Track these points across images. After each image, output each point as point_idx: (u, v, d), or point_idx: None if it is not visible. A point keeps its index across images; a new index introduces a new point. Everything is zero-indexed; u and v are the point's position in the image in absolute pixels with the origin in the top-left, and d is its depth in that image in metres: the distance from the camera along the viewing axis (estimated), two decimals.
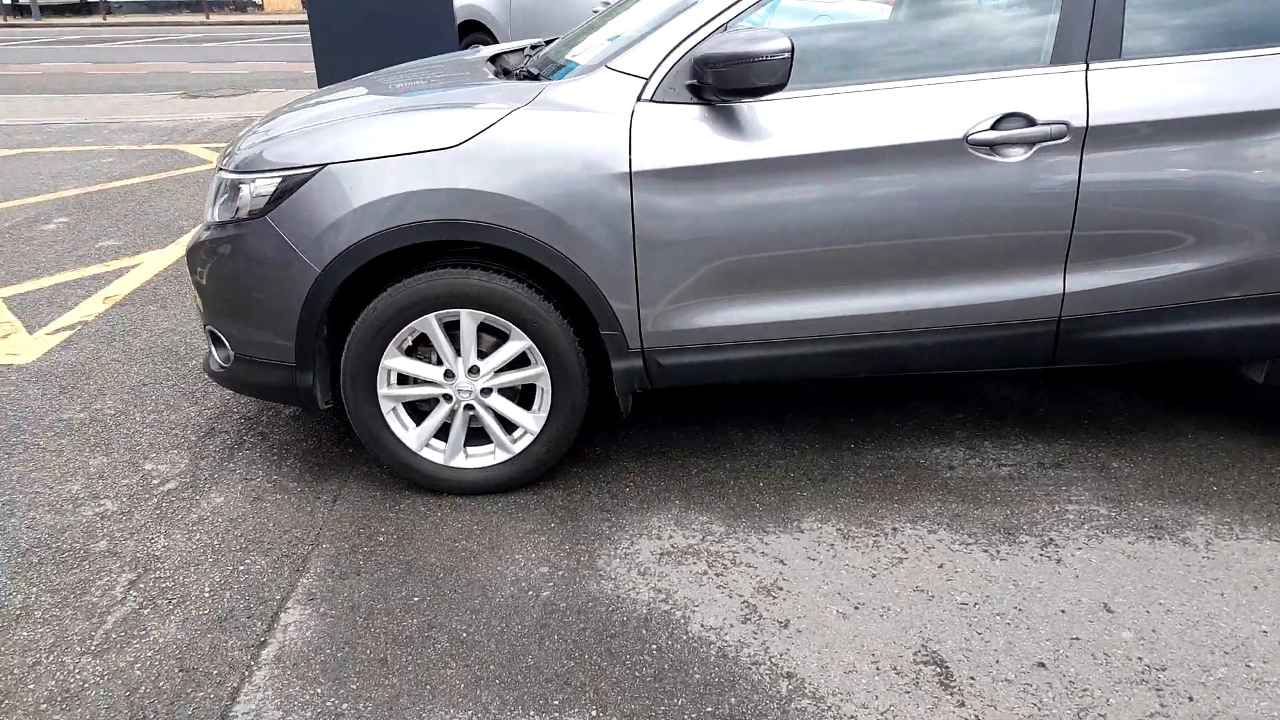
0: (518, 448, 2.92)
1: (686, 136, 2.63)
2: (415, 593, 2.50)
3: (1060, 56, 2.67)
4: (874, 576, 2.55)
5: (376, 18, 6.47)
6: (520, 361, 2.84)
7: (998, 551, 2.63)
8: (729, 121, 2.64)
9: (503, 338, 2.82)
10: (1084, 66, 2.66)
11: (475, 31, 8.98)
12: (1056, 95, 2.63)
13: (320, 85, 6.55)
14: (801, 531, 2.75)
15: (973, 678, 2.18)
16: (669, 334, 2.78)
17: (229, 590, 2.51)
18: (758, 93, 2.55)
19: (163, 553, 2.68)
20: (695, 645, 2.30)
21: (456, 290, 2.74)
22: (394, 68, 3.85)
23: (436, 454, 2.93)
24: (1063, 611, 2.38)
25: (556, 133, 2.64)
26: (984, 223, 2.69)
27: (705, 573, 2.58)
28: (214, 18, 30.46)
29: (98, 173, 7.50)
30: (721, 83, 2.53)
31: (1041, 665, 2.21)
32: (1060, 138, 2.62)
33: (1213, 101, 2.64)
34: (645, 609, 2.43)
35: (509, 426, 2.93)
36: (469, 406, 2.88)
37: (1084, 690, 2.13)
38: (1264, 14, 2.78)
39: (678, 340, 2.79)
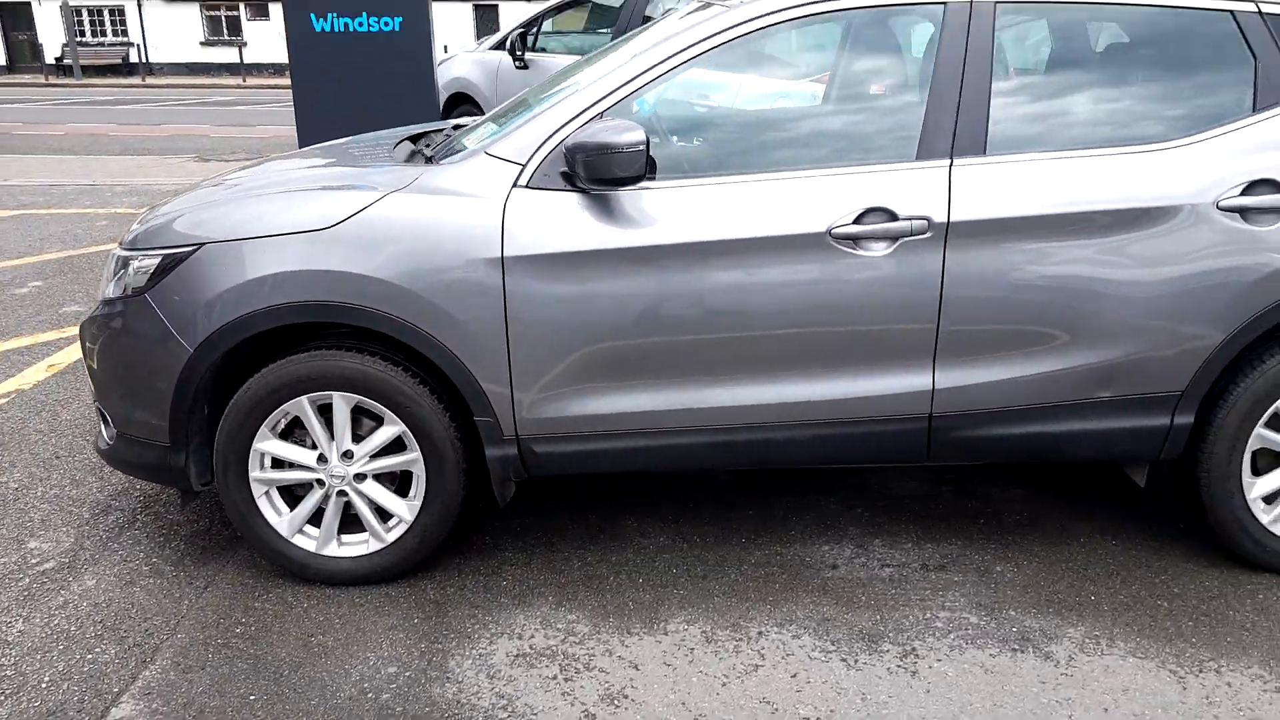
0: (391, 537, 2.90)
1: (560, 223, 2.65)
2: (254, 691, 2.48)
3: (926, 152, 2.68)
4: (724, 685, 2.49)
5: (358, 86, 6.60)
6: (396, 447, 2.84)
7: (855, 661, 2.56)
8: (602, 209, 2.66)
9: (381, 422, 2.83)
10: (948, 162, 2.66)
11: (465, 104, 9.17)
12: (919, 190, 2.63)
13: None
14: (666, 634, 2.70)
15: None
16: (544, 421, 2.77)
17: (68, 681, 2.50)
18: (619, 182, 2.58)
19: (15, 638, 2.68)
20: None
21: (329, 372, 2.76)
22: (328, 143, 3.94)
23: (309, 541, 2.92)
24: None
25: (428, 217, 2.68)
26: (850, 316, 2.68)
27: (555, 678, 2.53)
28: (250, 81, 31.39)
29: (86, 236, 7.68)
30: (588, 172, 2.57)
31: None
32: (923, 233, 2.62)
33: (1075, 199, 2.63)
34: (482, 717, 2.38)
35: (384, 514, 2.92)
36: (342, 493, 2.88)
37: None
38: (1125, 115, 2.78)
39: (553, 428, 2.79)
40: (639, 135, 2.50)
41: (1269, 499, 2.86)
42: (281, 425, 2.84)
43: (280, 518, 2.91)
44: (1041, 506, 3.32)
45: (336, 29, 6.27)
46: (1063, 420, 2.78)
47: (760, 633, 2.69)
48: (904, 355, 2.72)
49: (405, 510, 2.88)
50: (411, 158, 3.09)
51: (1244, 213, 2.61)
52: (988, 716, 2.35)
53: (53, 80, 31.03)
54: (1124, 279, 2.65)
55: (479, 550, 3.13)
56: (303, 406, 2.79)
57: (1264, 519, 2.86)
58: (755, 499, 3.41)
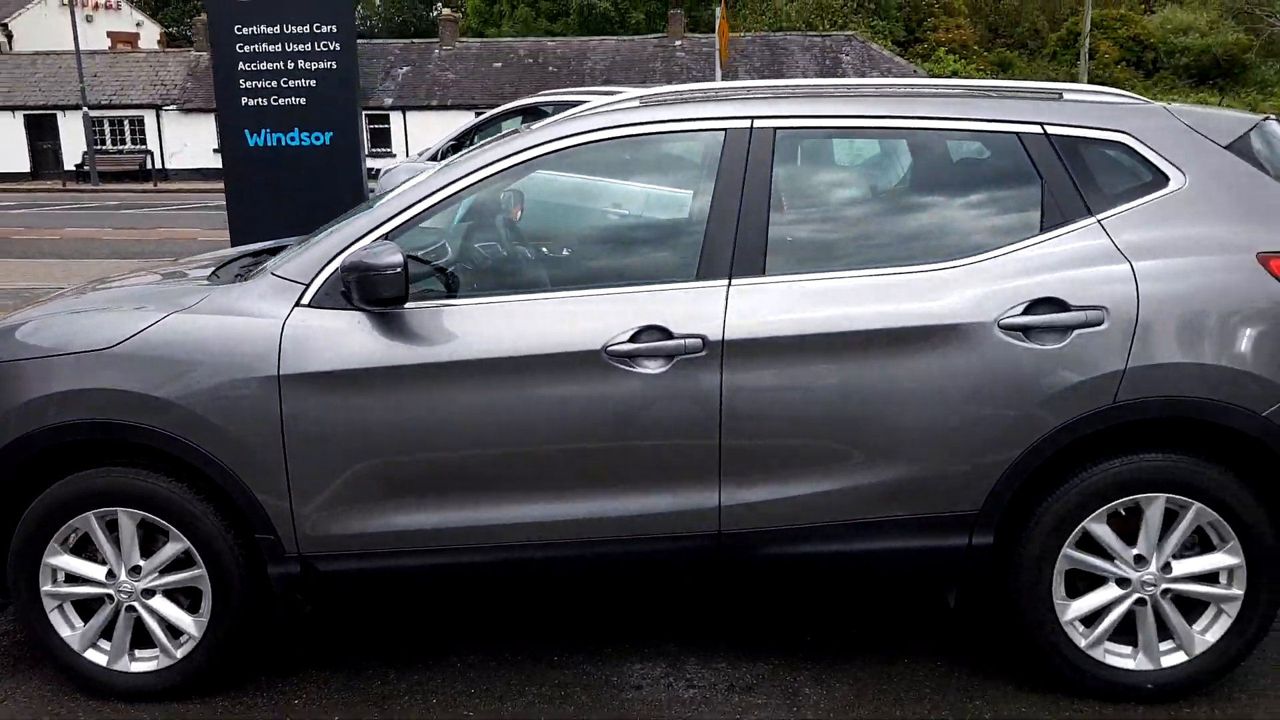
0: (180, 653, 2.85)
1: (338, 342, 2.67)
2: None
3: (705, 272, 2.69)
4: None
5: (290, 195, 6.71)
6: (187, 562, 2.81)
7: None
8: (379, 328, 2.68)
9: (168, 537, 2.80)
10: (726, 282, 2.67)
11: None
12: (695, 309, 2.64)
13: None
14: None
15: None
16: (325, 539, 2.74)
17: None
18: (385, 303, 2.60)
19: None
20: None
21: (115, 488, 2.76)
22: (188, 258, 4.04)
23: (101, 656, 2.87)
24: None
25: (209, 336, 2.71)
26: (631, 433, 2.66)
27: None
28: None
29: None
30: (358, 292, 2.60)
31: None
32: (697, 351, 2.61)
33: (853, 318, 2.63)
34: None
35: (176, 631, 2.87)
36: (131, 608, 2.84)
37: None
38: (910, 235, 2.81)
39: (334, 546, 2.75)
40: (397, 258, 2.54)
41: (1088, 621, 2.77)
42: (73, 540, 2.82)
43: (73, 632, 2.87)
44: (877, 625, 3.23)
45: (269, 143, 6.46)
46: (858, 539, 2.72)
47: None
48: (688, 472, 2.68)
49: (193, 627, 2.83)
50: (234, 277, 3.14)
51: (1026, 331, 2.60)
52: None
53: (70, 186, 32.03)
54: (908, 398, 2.63)
55: (295, 666, 3.05)
56: (90, 522, 2.78)
57: (1081, 643, 2.76)
58: (591, 611, 3.33)
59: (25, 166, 34.93)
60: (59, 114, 34.87)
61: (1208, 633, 2.76)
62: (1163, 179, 2.70)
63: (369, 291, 2.57)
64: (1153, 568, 2.71)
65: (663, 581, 2.84)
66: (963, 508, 2.68)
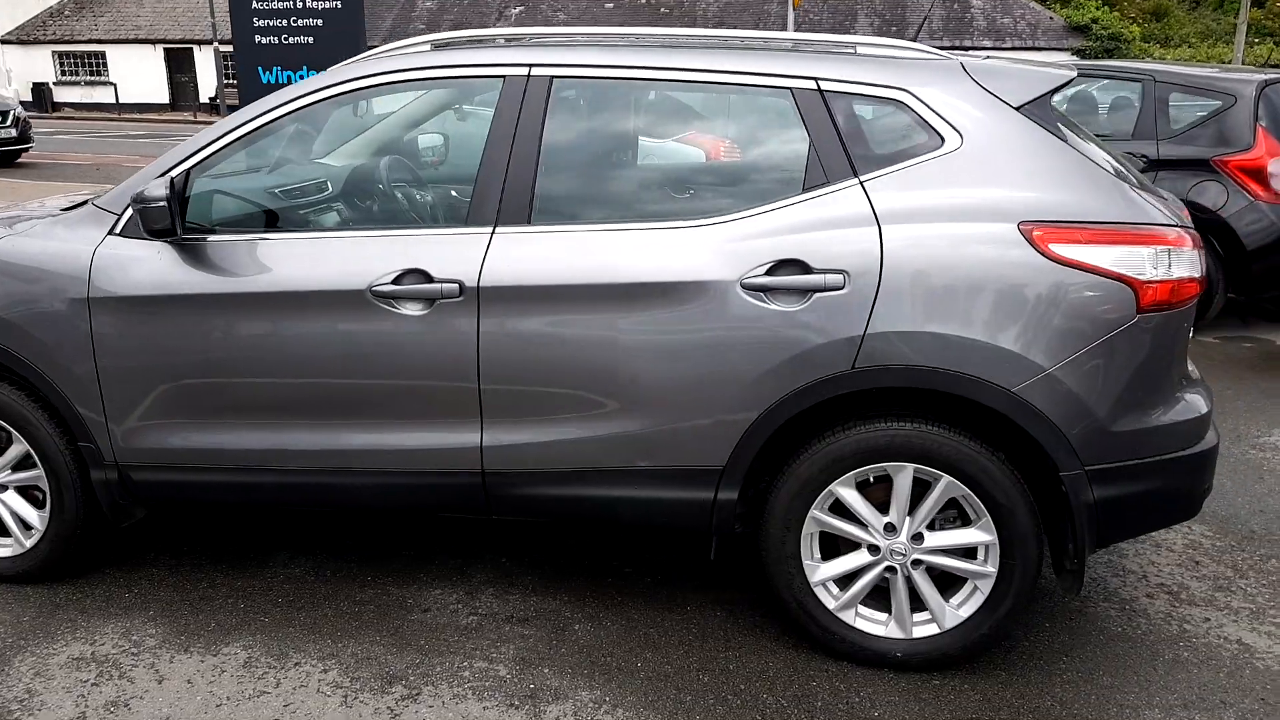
0: (29, 543, 3.20)
1: (139, 269, 2.90)
2: None
3: (474, 219, 2.79)
4: (218, 706, 2.64)
5: None
6: (30, 463, 3.14)
7: (355, 698, 2.67)
8: (174, 258, 2.89)
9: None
10: (490, 230, 2.76)
11: None
12: (457, 255, 2.74)
13: None
14: (215, 655, 2.87)
15: None
16: (138, 451, 3.01)
17: None
18: (157, 234, 2.80)
19: None
20: None
21: None
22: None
23: None
24: None
25: (31, 258, 2.99)
26: (396, 371, 2.81)
27: (86, 681, 2.74)
28: None
29: None
30: (140, 223, 2.81)
31: None
32: (454, 296, 2.72)
33: (608, 271, 2.68)
34: (2, 705, 2.63)
35: (27, 524, 3.22)
36: None
37: None
38: (677, 190, 2.81)
39: (146, 458, 3.02)
40: (160, 192, 2.73)
41: (843, 583, 2.79)
42: None
43: None
44: (691, 571, 3.31)
45: (280, 80, 6.78)
46: (612, 485, 2.80)
47: (297, 664, 2.83)
48: (453, 412, 2.81)
49: (38, 521, 3.17)
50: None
51: (768, 292, 2.59)
52: None
53: (200, 118, 33.67)
54: (656, 351, 2.67)
55: (142, 562, 3.38)
56: None
57: (830, 604, 2.78)
58: (432, 538, 3.53)
59: (165, 98, 36.94)
60: (195, 48, 36.59)
61: (962, 607, 2.73)
62: (937, 140, 2.62)
63: (145, 223, 2.78)
64: (902, 537, 2.70)
65: (440, 511, 2.99)
66: (708, 462, 2.73)
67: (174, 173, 2.89)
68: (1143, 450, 2.60)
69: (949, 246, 2.54)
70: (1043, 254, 2.50)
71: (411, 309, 2.76)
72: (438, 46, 2.99)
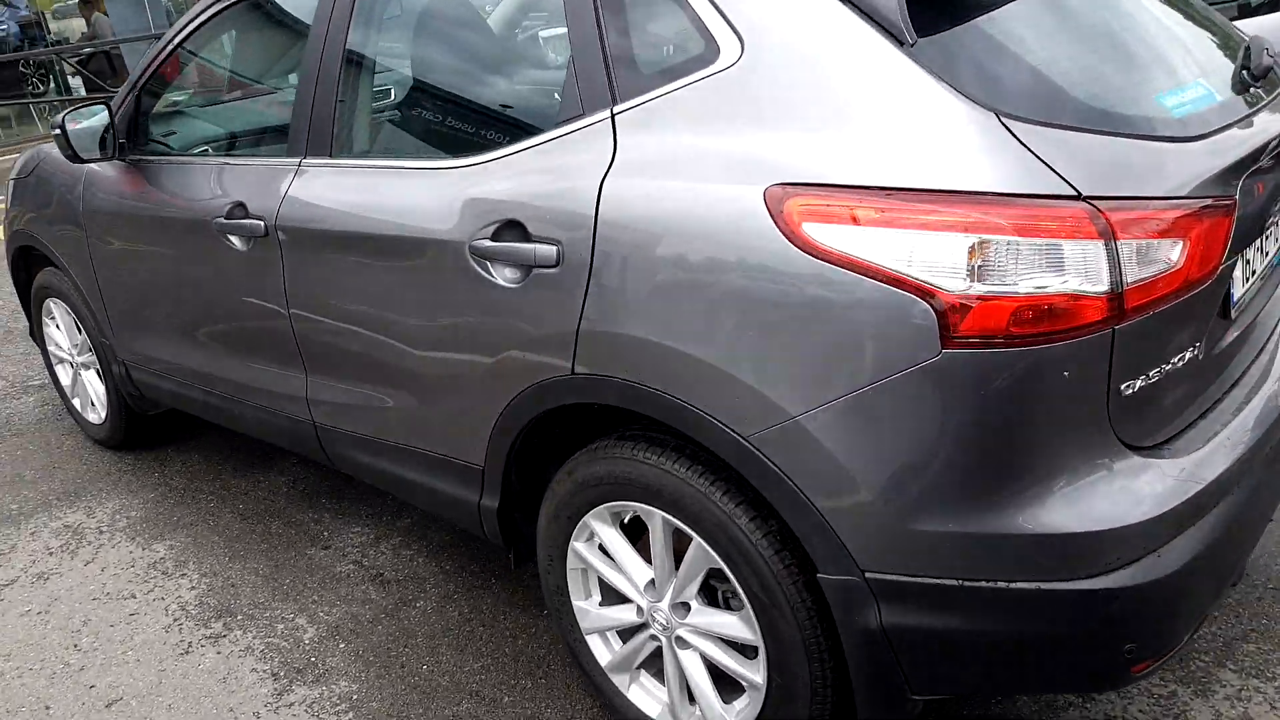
0: (103, 415, 3.72)
1: (103, 185, 3.13)
2: None
3: (291, 149, 2.51)
4: (93, 600, 2.89)
5: None
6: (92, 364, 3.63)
7: (180, 624, 2.73)
8: (121, 175, 3.05)
9: None
10: (297, 162, 2.47)
11: None
12: (269, 189, 2.52)
13: None
14: (145, 549, 3.13)
15: None
16: (128, 352, 3.33)
17: None
18: (72, 159, 2.96)
19: None
20: None
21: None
22: None
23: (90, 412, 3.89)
24: None
25: (59, 171, 3.32)
26: (240, 311, 2.70)
27: (52, 548, 3.18)
28: None
29: None
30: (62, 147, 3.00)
31: None
32: (259, 234, 2.51)
33: (364, 216, 2.26)
34: None
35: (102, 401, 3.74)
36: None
37: None
38: (457, 121, 2.26)
39: (133, 360, 3.33)
40: (59, 120, 2.84)
41: (626, 635, 2.15)
42: None
43: None
44: None
45: None
46: (401, 464, 2.45)
47: (184, 575, 2.98)
48: (285, 357, 2.65)
49: (104, 398, 3.67)
50: None
51: (491, 260, 1.99)
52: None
53: None
54: (410, 317, 2.22)
55: (185, 449, 3.77)
56: None
57: (603, 660, 2.18)
58: None
59: None
60: None
61: (738, 716, 1.97)
62: (712, 52, 1.74)
63: (89, 147, 2.94)
64: (664, 603, 2.00)
65: (304, 455, 2.86)
66: (468, 458, 2.24)
67: (114, 99, 3.01)
68: (973, 567, 1.58)
69: (680, 218, 1.70)
70: (791, 238, 1.57)
71: (238, 244, 2.60)
72: None
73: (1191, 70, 1.79)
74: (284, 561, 2.98)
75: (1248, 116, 1.74)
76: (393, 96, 2.60)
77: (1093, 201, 1.44)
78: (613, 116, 1.83)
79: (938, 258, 1.46)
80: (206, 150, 3.07)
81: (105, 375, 3.55)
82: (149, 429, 3.70)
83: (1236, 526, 1.68)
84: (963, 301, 1.45)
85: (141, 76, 2.99)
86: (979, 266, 1.45)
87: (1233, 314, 1.77)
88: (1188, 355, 1.63)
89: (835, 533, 1.62)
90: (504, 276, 1.97)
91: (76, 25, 14.80)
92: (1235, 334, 1.82)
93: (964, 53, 1.58)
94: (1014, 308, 1.44)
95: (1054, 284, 1.44)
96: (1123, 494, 1.55)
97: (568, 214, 1.83)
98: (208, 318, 2.87)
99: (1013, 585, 1.55)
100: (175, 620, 2.75)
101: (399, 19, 2.40)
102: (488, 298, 2.01)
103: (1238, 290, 1.77)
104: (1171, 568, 1.55)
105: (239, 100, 3.30)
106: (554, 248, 1.85)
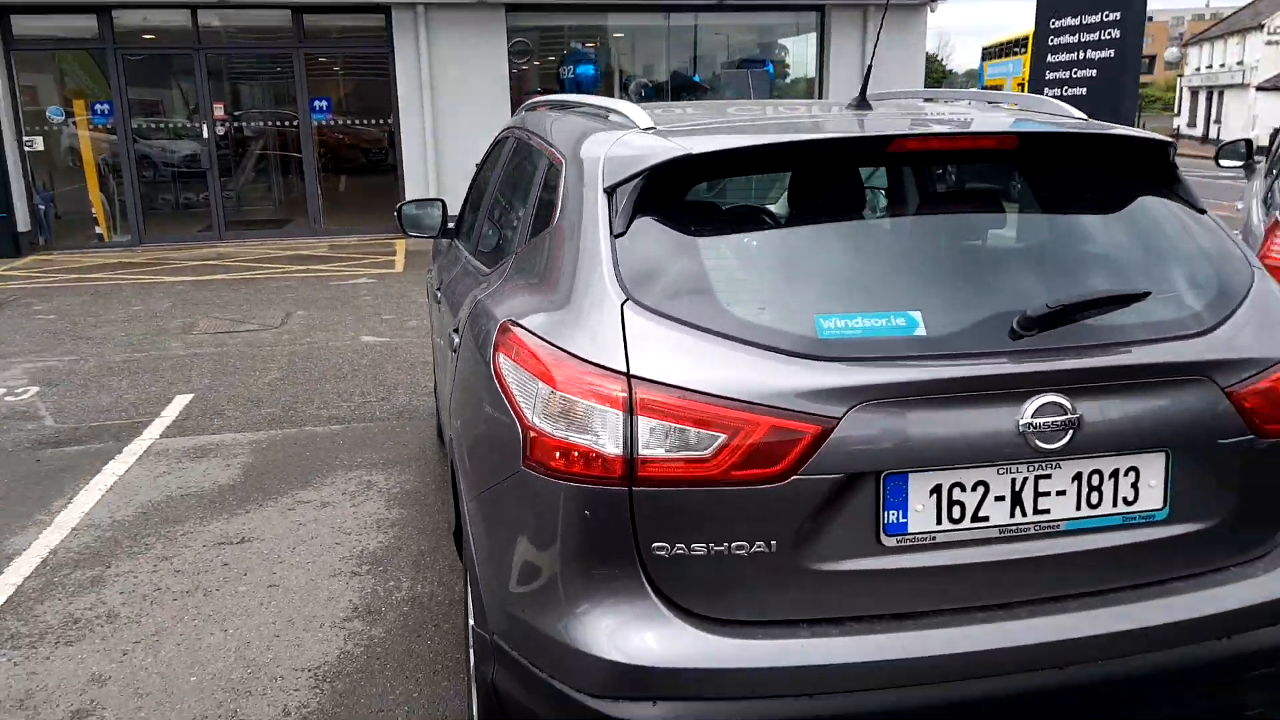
0: None
1: None
2: None
3: None
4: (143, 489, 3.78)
5: None
6: None
7: (202, 526, 3.52)
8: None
9: None
10: None
11: None
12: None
13: None
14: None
15: None
16: None
17: None
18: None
19: None
20: None
21: None
22: None
23: None
24: None
25: None
26: None
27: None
28: None
29: None
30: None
31: None
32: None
33: None
34: None
35: None
36: None
37: None
38: None
39: None
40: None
41: None
42: None
43: None
44: None
45: None
46: None
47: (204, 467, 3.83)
48: None
49: None
50: None
51: None
52: None
53: None
54: None
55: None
56: None
57: None
58: None
59: None
60: None
61: None
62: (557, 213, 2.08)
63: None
64: None
65: None
66: None
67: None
68: (535, 655, 1.76)
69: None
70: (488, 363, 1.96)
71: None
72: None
73: (916, 302, 1.76)
74: (288, 502, 3.72)
75: (970, 356, 1.69)
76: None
77: (632, 378, 1.64)
78: None
79: (529, 391, 1.75)
80: None
81: None
82: None
83: None
84: (533, 433, 1.72)
85: None
86: (542, 409, 1.71)
87: (884, 541, 1.68)
88: (756, 548, 1.65)
89: (477, 580, 1.94)
90: None
91: None
92: (898, 565, 1.70)
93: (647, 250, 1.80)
94: (555, 446, 1.67)
95: (577, 436, 1.66)
96: (644, 638, 1.65)
97: None
98: None
99: (558, 686, 1.70)
100: (202, 528, 3.50)
101: None
102: None
103: (920, 523, 1.69)
104: (661, 717, 1.65)
105: None
106: None
